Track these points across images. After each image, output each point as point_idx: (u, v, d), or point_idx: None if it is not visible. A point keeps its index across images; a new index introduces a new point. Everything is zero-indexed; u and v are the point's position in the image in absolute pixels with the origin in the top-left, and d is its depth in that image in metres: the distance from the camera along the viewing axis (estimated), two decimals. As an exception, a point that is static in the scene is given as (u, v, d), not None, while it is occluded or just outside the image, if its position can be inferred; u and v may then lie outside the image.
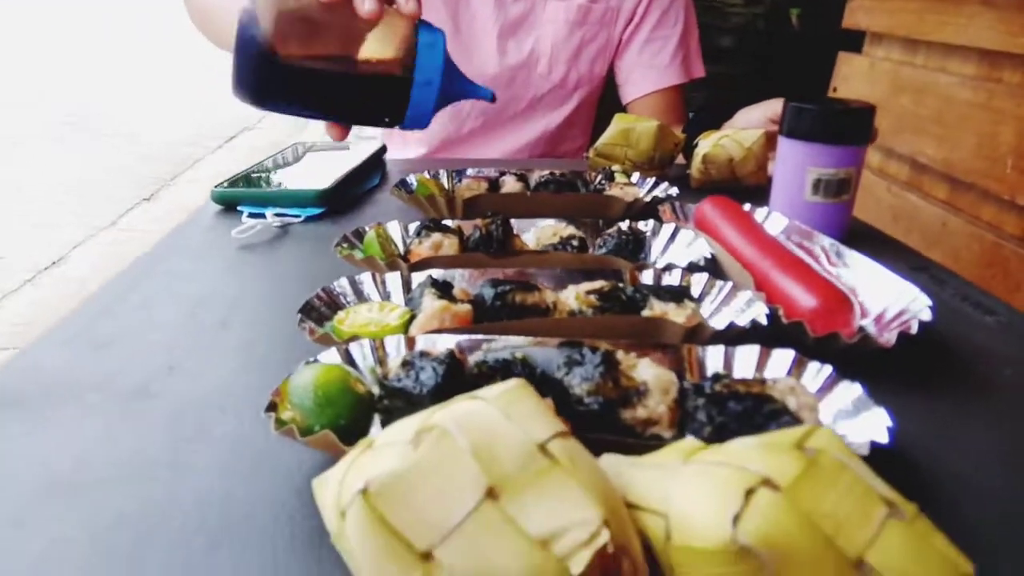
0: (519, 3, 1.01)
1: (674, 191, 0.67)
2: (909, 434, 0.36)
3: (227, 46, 0.82)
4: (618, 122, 0.80)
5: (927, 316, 0.42)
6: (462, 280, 0.47)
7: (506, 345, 0.37)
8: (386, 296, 0.46)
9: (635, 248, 0.53)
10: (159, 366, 0.42)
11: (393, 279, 0.46)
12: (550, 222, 0.57)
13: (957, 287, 0.56)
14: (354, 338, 0.38)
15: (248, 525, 0.30)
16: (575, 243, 0.53)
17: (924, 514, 0.22)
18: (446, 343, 0.37)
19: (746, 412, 0.32)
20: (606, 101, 1.12)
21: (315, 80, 0.51)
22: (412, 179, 0.68)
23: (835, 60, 1.42)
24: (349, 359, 0.37)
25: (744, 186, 0.76)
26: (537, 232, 0.56)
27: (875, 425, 0.32)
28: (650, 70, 1.04)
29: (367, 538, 0.22)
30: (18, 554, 0.28)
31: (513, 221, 0.54)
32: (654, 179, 0.70)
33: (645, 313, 0.43)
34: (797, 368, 0.37)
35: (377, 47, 0.52)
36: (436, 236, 0.52)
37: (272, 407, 0.32)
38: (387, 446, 0.24)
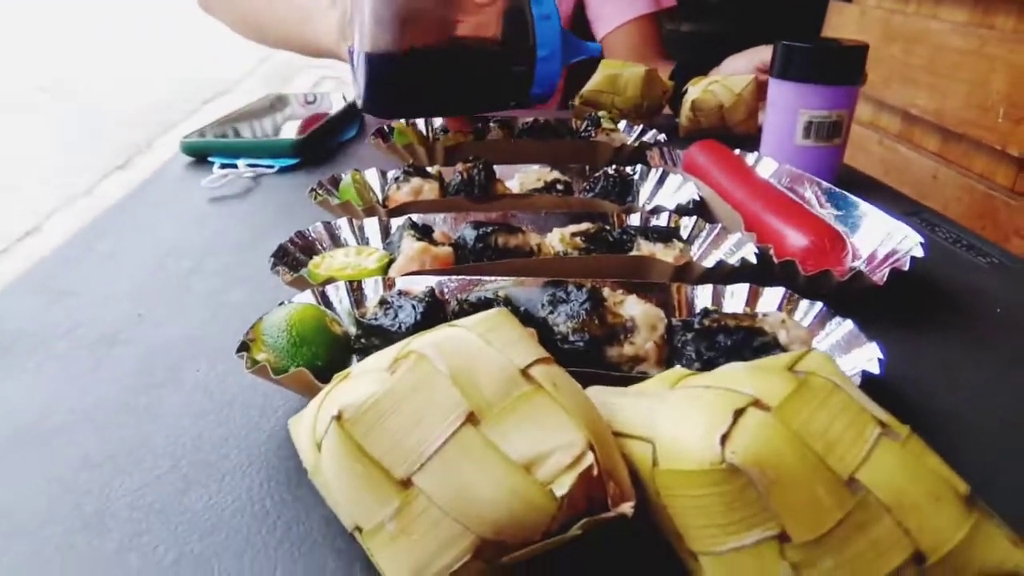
0: None
1: (662, 137, 0.65)
2: (900, 369, 0.35)
3: (252, 33, 0.82)
4: (604, 68, 0.78)
5: (919, 252, 0.41)
6: (443, 224, 0.46)
7: (489, 287, 0.35)
8: (364, 241, 0.44)
9: (622, 191, 0.51)
10: (128, 314, 0.40)
11: (371, 224, 0.45)
12: (534, 167, 0.55)
13: (949, 230, 0.55)
14: (330, 281, 0.37)
15: (222, 467, 0.29)
16: (560, 187, 0.52)
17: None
18: (427, 284, 0.36)
19: (735, 346, 0.31)
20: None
21: (442, 75, 0.53)
22: (391, 127, 0.66)
23: (825, 12, 1.40)
24: (326, 302, 0.36)
25: (734, 134, 0.75)
26: (521, 177, 0.54)
27: (866, 358, 0.31)
28: (619, 1, 1.01)
29: (343, 467, 0.21)
30: (-20, 499, 0.27)
31: (496, 167, 0.53)
32: (642, 126, 0.68)
33: (633, 254, 0.42)
34: (787, 305, 0.36)
35: (496, 28, 0.52)
36: (416, 181, 0.50)
37: (244, 347, 0.31)
38: (363, 374, 0.23)
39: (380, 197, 0.52)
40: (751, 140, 0.71)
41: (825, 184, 0.52)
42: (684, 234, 0.45)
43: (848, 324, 0.33)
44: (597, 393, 0.25)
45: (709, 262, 0.42)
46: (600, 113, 0.69)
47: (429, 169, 0.53)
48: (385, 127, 0.66)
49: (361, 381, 0.23)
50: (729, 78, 0.75)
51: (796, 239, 0.43)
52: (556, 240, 0.43)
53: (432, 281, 0.36)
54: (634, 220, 0.47)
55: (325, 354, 0.32)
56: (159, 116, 3.72)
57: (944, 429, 0.32)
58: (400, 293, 0.34)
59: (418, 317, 0.32)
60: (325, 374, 0.30)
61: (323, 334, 0.32)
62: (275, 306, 0.33)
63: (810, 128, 0.60)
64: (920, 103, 1.04)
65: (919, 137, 1.06)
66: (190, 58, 4.57)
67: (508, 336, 0.23)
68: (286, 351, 0.31)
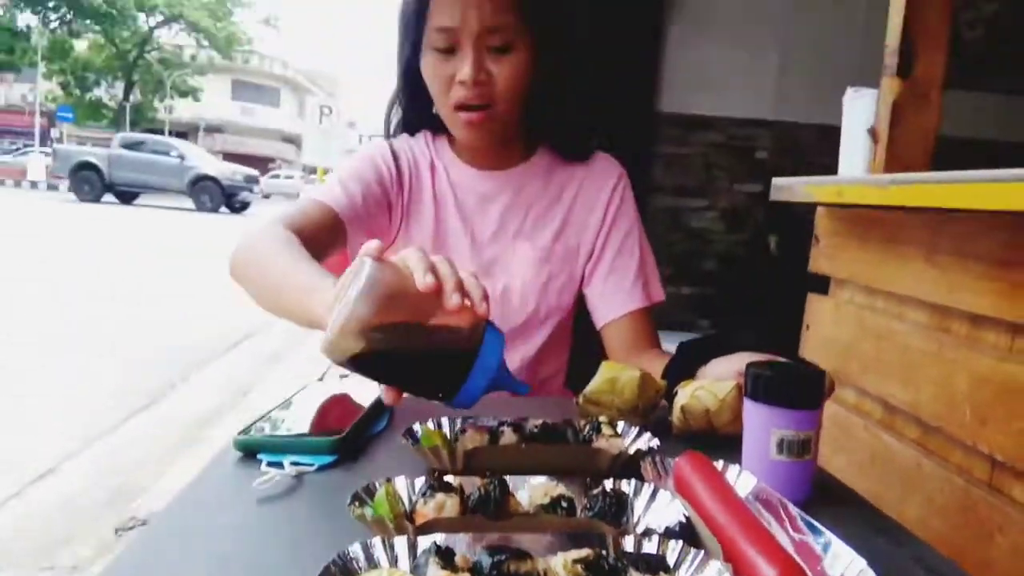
0: (493, 246, 1.17)
1: (655, 443, 0.74)
2: None
3: (265, 302, 0.94)
4: (604, 370, 0.90)
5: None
6: (463, 543, 0.53)
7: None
8: (394, 560, 0.51)
9: (618, 511, 0.59)
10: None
11: (400, 543, 0.52)
12: (542, 480, 0.63)
13: (913, 549, 0.60)
14: (365, 608, 0.43)
15: None
16: (564, 504, 0.60)
17: None
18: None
19: None
20: (580, 327, 1.25)
21: (396, 357, 0.64)
22: (418, 428, 0.76)
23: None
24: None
25: (722, 435, 0.84)
26: (530, 490, 0.62)
27: None
28: (616, 295, 1.18)
29: None
30: None
31: (508, 478, 0.61)
32: (638, 428, 0.78)
33: (625, 583, 0.48)
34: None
35: (451, 334, 0.65)
36: (439, 496, 0.59)
37: None
38: None
39: (408, 507, 0.60)
40: (737, 441, 0.80)
41: (795, 509, 0.59)
42: (671, 559, 0.52)
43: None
44: None
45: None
46: (601, 419, 0.79)
47: (450, 480, 0.61)
48: (414, 427, 0.76)
49: None
50: (714, 383, 0.86)
51: (766, 571, 0.50)
52: (560, 566, 0.50)
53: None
54: (628, 542, 0.54)
55: None
56: (186, 356, 3.96)
57: None
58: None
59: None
60: None
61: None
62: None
63: (782, 445, 0.69)
64: (897, 395, 1.14)
65: (900, 426, 1.15)
66: (216, 302, 4.97)
67: None
68: None
